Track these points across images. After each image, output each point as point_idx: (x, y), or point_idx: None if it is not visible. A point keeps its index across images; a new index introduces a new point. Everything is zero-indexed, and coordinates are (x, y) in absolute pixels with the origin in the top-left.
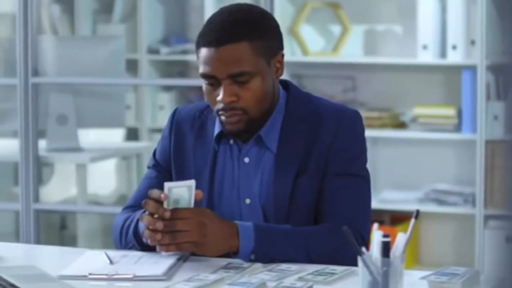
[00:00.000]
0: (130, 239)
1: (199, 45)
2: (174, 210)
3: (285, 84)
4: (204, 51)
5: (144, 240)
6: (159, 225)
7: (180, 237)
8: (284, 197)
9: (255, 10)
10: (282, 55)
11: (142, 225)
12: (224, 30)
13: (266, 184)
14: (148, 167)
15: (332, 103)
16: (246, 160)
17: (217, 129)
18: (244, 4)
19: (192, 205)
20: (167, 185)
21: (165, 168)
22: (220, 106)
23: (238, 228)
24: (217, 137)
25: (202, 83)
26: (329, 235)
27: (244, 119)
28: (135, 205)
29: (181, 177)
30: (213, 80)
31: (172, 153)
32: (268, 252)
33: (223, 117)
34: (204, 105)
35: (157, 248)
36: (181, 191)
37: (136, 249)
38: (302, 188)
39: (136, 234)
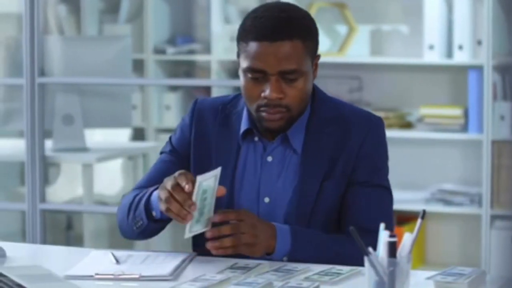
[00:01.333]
0: (140, 213)
1: (246, 39)
2: (224, 213)
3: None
4: (254, 45)
5: (154, 213)
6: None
7: (237, 240)
8: (308, 199)
9: (302, 10)
10: (318, 58)
11: (155, 199)
12: (280, 26)
13: (289, 185)
14: (162, 152)
15: (357, 108)
16: (269, 159)
17: (244, 125)
18: (288, 3)
19: (215, 194)
20: (199, 178)
21: (182, 154)
22: (263, 102)
23: (276, 229)
24: (242, 134)
25: (242, 77)
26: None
27: (286, 117)
28: (146, 186)
29: (201, 168)
30: (260, 75)
31: (193, 143)
32: (301, 255)
33: (264, 114)
34: (227, 99)
35: (213, 251)
36: (209, 182)
37: (143, 226)
38: (327, 192)
39: (148, 206)
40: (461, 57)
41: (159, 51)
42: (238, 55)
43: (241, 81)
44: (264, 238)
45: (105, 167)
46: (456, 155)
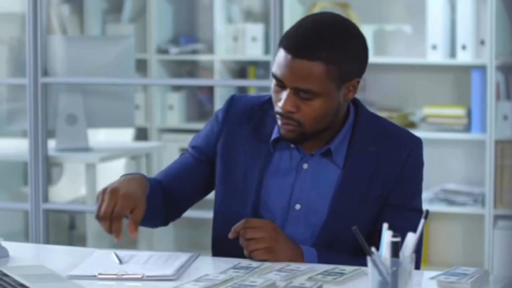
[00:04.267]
0: None
1: (281, 44)
2: (246, 220)
3: (354, 101)
4: (281, 53)
5: None
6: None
7: (254, 244)
8: (341, 218)
9: (348, 30)
10: (358, 82)
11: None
12: (307, 44)
13: (323, 196)
14: (189, 147)
15: (399, 127)
16: (305, 166)
17: (276, 133)
18: (340, 19)
19: None
20: None
21: (204, 152)
22: (279, 110)
23: (303, 251)
24: (275, 139)
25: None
26: None
27: (298, 131)
28: (162, 181)
29: (229, 171)
30: (280, 83)
31: (222, 145)
32: None
33: (279, 121)
34: (265, 98)
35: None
36: None
37: None
38: (361, 213)
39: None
40: (464, 57)
41: (162, 51)
42: None
43: None
44: (287, 245)
45: (108, 167)
46: (459, 155)
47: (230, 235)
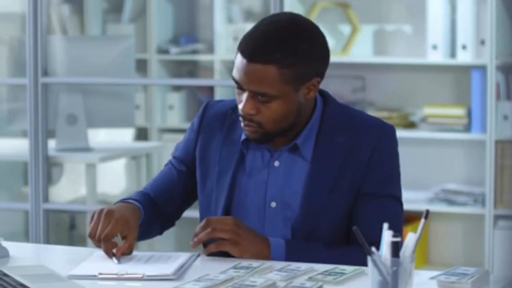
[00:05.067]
0: None
1: (238, 47)
2: (205, 220)
3: (322, 94)
4: (238, 57)
5: None
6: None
7: (219, 233)
8: (314, 209)
9: (303, 31)
10: (318, 81)
11: None
12: (258, 47)
13: (297, 191)
14: (171, 157)
15: (368, 116)
16: (276, 163)
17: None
18: (297, 20)
19: None
20: None
21: (183, 161)
22: (240, 112)
23: (270, 243)
24: (246, 140)
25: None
26: (359, 257)
27: (260, 132)
28: (150, 190)
29: (205, 177)
30: (240, 86)
31: (198, 152)
32: None
33: (242, 123)
34: (236, 103)
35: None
36: None
37: None
38: (333, 204)
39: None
40: (464, 57)
41: (162, 51)
42: None
43: None
44: (252, 240)
45: (108, 167)
46: (459, 155)
47: (193, 245)
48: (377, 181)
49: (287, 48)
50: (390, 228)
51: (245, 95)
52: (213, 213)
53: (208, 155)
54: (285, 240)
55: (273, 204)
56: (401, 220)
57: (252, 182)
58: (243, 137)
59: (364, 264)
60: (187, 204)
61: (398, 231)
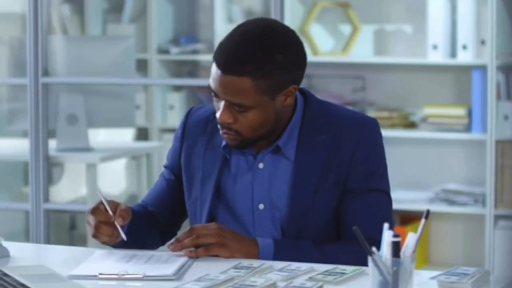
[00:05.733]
0: None
1: (214, 56)
2: (189, 228)
3: (303, 92)
4: (213, 67)
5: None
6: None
7: (203, 239)
8: (301, 209)
9: (277, 40)
10: (295, 88)
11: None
12: (231, 60)
13: (283, 192)
14: (163, 167)
15: (350, 112)
16: (261, 165)
17: None
18: (271, 29)
19: None
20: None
21: (172, 170)
22: (218, 120)
23: (258, 243)
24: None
25: None
26: (349, 253)
27: (238, 139)
28: (147, 201)
29: (191, 183)
30: (216, 94)
31: (183, 159)
32: None
33: (220, 131)
34: None
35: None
36: None
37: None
38: (320, 203)
39: None
40: (464, 57)
41: (162, 51)
42: None
43: None
44: (238, 240)
45: (109, 167)
46: (460, 155)
47: (172, 249)
48: (362, 177)
49: (261, 59)
50: (380, 221)
51: (222, 103)
52: (199, 218)
53: (192, 162)
54: (273, 239)
55: (261, 206)
56: (390, 213)
57: (238, 186)
58: (224, 143)
59: (354, 259)
60: (183, 213)
61: (386, 222)
